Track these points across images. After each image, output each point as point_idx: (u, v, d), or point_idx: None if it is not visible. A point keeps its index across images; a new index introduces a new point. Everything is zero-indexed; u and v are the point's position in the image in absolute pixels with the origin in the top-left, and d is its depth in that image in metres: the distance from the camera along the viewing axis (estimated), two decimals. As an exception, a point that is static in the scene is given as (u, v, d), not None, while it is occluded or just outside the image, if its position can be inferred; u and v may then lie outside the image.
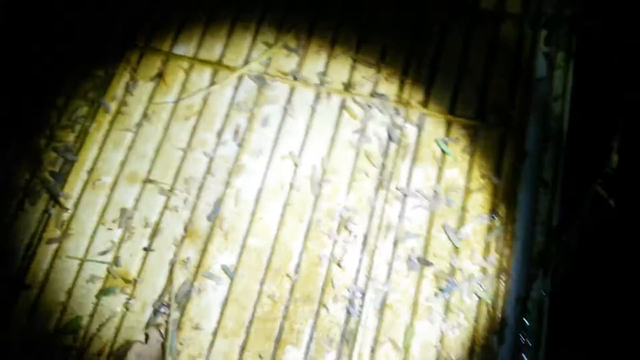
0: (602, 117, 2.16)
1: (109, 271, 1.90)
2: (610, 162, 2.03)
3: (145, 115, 2.12)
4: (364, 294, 1.85)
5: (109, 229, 1.95)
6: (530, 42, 2.21)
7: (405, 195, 1.99)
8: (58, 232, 1.95)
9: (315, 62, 2.20)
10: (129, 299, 1.86)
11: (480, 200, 1.98)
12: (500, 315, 1.82)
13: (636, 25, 2.23)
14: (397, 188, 1.99)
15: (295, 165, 2.03)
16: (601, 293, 2.01)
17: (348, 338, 1.79)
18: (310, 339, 1.79)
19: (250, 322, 1.83)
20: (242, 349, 1.79)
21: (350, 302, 1.83)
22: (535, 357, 1.78)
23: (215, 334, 1.82)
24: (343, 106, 2.12)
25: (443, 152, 2.05)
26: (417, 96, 2.14)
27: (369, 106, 2.12)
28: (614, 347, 1.91)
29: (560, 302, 1.92)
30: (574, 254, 1.96)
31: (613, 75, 2.25)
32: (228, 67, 2.21)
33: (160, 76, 2.17)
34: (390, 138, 2.07)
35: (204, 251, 1.92)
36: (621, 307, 1.99)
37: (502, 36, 2.23)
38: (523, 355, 1.79)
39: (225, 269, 1.89)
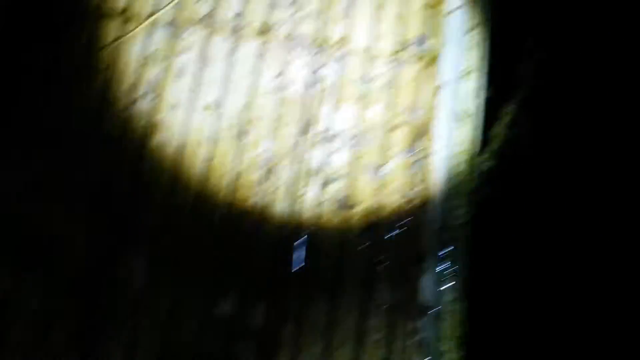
0: (518, 42, 2.20)
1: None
2: (525, 84, 2.09)
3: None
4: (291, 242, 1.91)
5: None
6: (445, -29, 2.19)
7: (327, 139, 2.00)
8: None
9: (230, 2, 2.11)
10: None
11: (400, 136, 2.03)
12: (424, 245, 1.93)
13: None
14: (318, 132, 2.00)
15: (217, 117, 1.99)
16: (520, 220, 2.13)
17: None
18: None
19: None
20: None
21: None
22: (457, 284, 1.91)
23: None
24: (260, 53, 2.07)
25: (363, 91, 2.05)
26: (336, 34, 2.10)
27: (288, 49, 2.07)
28: (530, 266, 2.06)
29: (481, 228, 2.03)
30: (493, 178, 2.05)
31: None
32: (137, 16, 2.09)
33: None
34: (311, 81, 2.05)
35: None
36: (540, 232, 2.12)
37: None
38: (445, 281, 1.91)
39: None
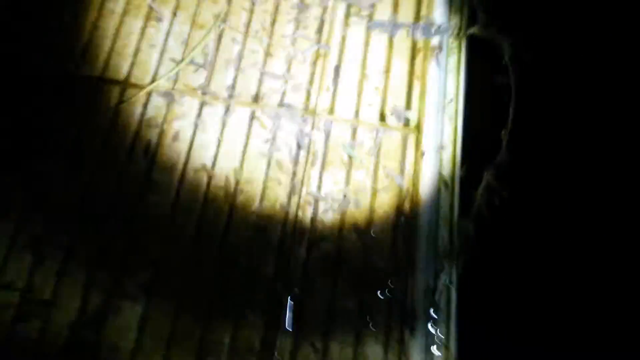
0: (493, 113, 2.36)
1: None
2: (501, 152, 2.22)
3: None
4: (280, 301, 1.93)
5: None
6: (423, 49, 2.38)
7: (316, 200, 2.08)
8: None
9: (224, 76, 2.26)
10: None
11: (386, 199, 2.12)
12: (411, 307, 1.96)
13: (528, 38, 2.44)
14: (308, 193, 2.09)
15: (209, 178, 2.07)
16: (504, 275, 2.19)
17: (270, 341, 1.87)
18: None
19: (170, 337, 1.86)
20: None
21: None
22: (446, 345, 1.93)
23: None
24: (253, 117, 2.19)
25: (349, 156, 2.16)
26: (322, 103, 2.24)
27: (278, 116, 2.20)
28: (517, 324, 2.10)
29: (466, 289, 2.08)
30: (474, 243, 2.13)
31: (503, 74, 2.45)
32: (136, 86, 2.22)
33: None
34: (299, 146, 2.16)
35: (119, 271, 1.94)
36: (523, 286, 2.18)
37: (397, 44, 2.39)
38: (434, 344, 1.93)
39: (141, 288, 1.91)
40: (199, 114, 2.19)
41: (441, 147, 2.24)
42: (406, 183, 2.16)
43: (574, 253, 2.15)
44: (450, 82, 2.36)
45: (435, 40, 2.40)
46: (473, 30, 2.42)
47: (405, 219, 2.09)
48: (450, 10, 2.48)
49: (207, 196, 2.06)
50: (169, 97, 2.20)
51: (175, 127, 2.16)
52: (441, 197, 2.17)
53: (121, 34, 2.32)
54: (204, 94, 2.22)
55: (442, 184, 2.17)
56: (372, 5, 2.44)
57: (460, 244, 2.11)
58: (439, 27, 2.40)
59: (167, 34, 2.33)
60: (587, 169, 2.28)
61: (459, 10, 2.49)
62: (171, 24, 2.35)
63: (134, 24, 2.32)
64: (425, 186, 2.16)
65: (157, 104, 2.20)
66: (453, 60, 2.40)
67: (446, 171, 2.21)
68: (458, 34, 2.43)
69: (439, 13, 2.46)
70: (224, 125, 2.18)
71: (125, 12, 2.35)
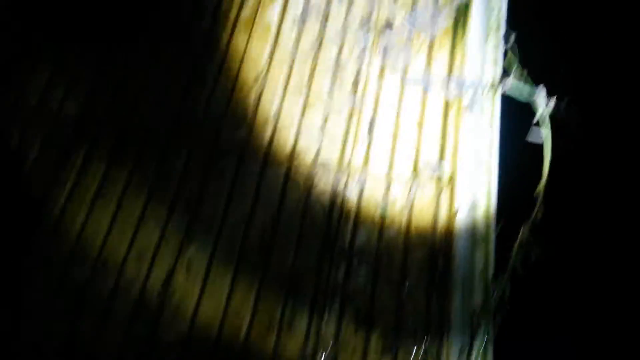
0: (528, 169, 2.34)
1: None
2: (537, 209, 2.20)
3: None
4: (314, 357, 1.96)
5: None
6: (457, 103, 2.40)
7: (350, 256, 2.11)
8: None
9: (263, 131, 2.34)
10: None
11: (419, 257, 2.12)
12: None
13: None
14: (341, 249, 2.12)
15: (245, 232, 2.14)
16: (540, 333, 2.15)
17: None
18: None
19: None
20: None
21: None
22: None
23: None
24: (287, 175, 2.26)
25: (383, 212, 2.19)
26: (357, 159, 2.29)
27: (314, 173, 2.25)
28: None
29: (502, 348, 2.06)
30: (509, 300, 2.11)
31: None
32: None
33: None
34: (332, 202, 2.20)
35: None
36: (560, 344, 2.13)
37: (430, 99, 2.41)
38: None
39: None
40: (238, 170, 2.27)
41: (475, 203, 2.23)
42: (440, 238, 2.16)
43: (610, 311, 2.10)
44: (484, 137, 2.36)
45: (468, 95, 2.41)
46: (507, 85, 2.43)
47: (440, 276, 2.09)
48: (483, 64, 2.50)
49: (240, 251, 2.11)
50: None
51: (211, 187, 2.24)
52: (476, 254, 2.16)
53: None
54: (242, 150, 2.30)
55: (477, 241, 2.16)
56: (407, 60, 2.49)
57: (496, 302, 2.09)
58: (472, 82, 2.42)
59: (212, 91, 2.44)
60: (619, 226, 2.23)
61: (493, 64, 2.51)
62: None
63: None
64: (460, 242, 2.16)
65: (198, 160, 2.28)
66: (487, 115, 2.41)
67: (481, 227, 2.20)
68: (492, 89, 2.44)
69: (472, 68, 2.48)
70: (258, 187, 2.25)
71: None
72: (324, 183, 2.25)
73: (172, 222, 2.18)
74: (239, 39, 2.53)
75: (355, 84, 2.45)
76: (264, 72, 2.46)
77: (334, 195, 2.22)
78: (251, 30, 2.56)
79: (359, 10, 2.63)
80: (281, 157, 2.29)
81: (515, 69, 2.48)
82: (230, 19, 2.60)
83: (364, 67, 2.48)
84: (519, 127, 2.43)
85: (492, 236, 2.19)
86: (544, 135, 2.37)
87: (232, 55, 2.51)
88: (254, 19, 2.59)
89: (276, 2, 2.62)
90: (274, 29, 2.57)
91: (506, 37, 2.56)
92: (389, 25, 2.57)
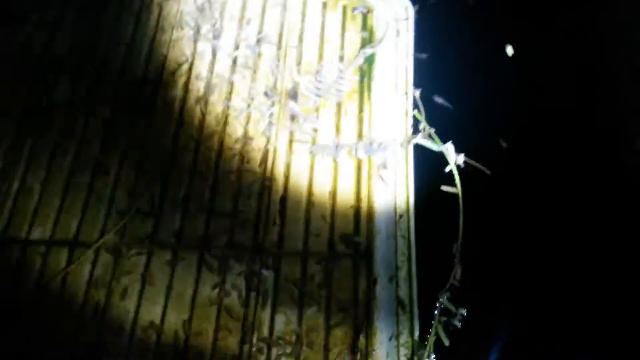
0: (446, 225, 2.32)
1: None
2: (454, 273, 2.17)
3: None
4: None
5: None
6: (368, 167, 2.37)
7: (269, 346, 2.04)
8: None
9: (171, 222, 2.27)
10: None
11: (340, 335, 2.06)
12: None
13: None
14: (260, 340, 2.04)
15: (158, 336, 2.05)
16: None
17: None
18: None
19: None
20: None
21: None
22: None
23: None
24: (201, 262, 2.19)
25: (300, 292, 2.13)
26: (270, 239, 2.23)
27: (226, 258, 2.19)
28: None
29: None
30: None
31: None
32: (84, 243, 2.24)
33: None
34: (248, 287, 2.14)
35: None
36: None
37: (341, 166, 2.39)
38: None
39: None
40: (147, 266, 2.19)
41: (395, 268, 2.19)
42: (361, 312, 2.10)
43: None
44: (399, 198, 2.34)
45: (379, 157, 2.40)
46: (415, 140, 2.42)
47: (361, 354, 2.03)
48: (392, 123, 2.49)
49: (155, 358, 2.02)
50: (117, 252, 2.21)
51: (123, 284, 2.16)
52: (400, 322, 2.11)
53: (69, 191, 2.36)
54: (151, 243, 2.23)
55: (399, 310, 2.11)
56: (314, 130, 2.47)
57: (424, 373, 2.03)
58: (381, 143, 2.40)
59: (114, 185, 2.37)
60: (541, 273, 2.22)
61: (401, 122, 2.50)
62: (117, 174, 2.39)
63: (82, 181, 2.37)
64: (382, 313, 2.10)
65: (105, 261, 2.21)
66: (400, 174, 2.39)
67: (402, 293, 2.15)
68: (402, 146, 2.43)
69: (381, 127, 2.47)
70: (172, 274, 2.17)
71: (72, 169, 2.40)
72: (237, 268, 2.18)
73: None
74: (141, 123, 2.48)
75: (264, 160, 2.41)
76: (168, 159, 2.40)
77: (249, 279, 2.15)
78: (152, 113, 2.51)
79: (262, 81, 2.60)
80: (193, 243, 2.22)
81: (422, 125, 2.47)
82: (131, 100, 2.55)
83: (271, 141, 2.44)
84: (433, 181, 2.41)
85: (415, 302, 2.14)
86: (457, 186, 2.35)
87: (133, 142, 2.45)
88: (155, 101, 2.55)
89: (178, 82, 2.58)
90: (177, 110, 2.52)
91: (413, 95, 2.56)
92: (294, 94, 2.55)
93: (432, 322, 2.12)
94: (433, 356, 2.06)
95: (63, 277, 2.17)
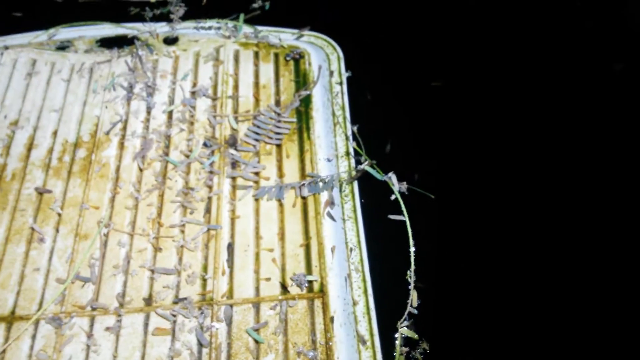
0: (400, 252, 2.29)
1: None
2: (411, 300, 2.12)
3: None
4: None
5: None
6: (314, 205, 2.35)
7: (225, 403, 1.91)
8: None
9: (112, 284, 2.16)
10: None
11: (301, 381, 1.96)
12: None
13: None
14: (215, 397, 1.92)
15: (104, 408, 1.90)
16: None
17: None
18: None
19: None
20: None
21: None
22: None
23: None
24: (147, 323, 2.07)
25: (255, 341, 2.03)
26: (220, 289, 2.14)
27: (174, 315, 2.08)
28: None
29: None
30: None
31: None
32: (22, 318, 2.10)
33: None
34: (200, 344, 2.02)
35: None
36: None
37: (287, 207, 2.36)
38: None
39: None
40: (90, 333, 2.06)
41: (352, 304, 2.13)
42: (321, 354, 2.01)
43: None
44: (349, 232, 2.31)
45: (324, 194, 2.38)
46: (359, 174, 2.42)
47: (326, 399, 1.92)
48: (334, 159, 2.49)
49: None
50: (57, 321, 2.07)
51: (66, 354, 2.01)
52: (362, 359, 2.02)
53: (4, 263, 2.23)
54: (93, 309, 2.11)
55: (361, 344, 2.03)
56: (257, 174, 2.44)
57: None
58: (325, 179, 2.39)
59: (51, 253, 2.26)
60: (493, 299, 2.20)
61: (343, 157, 2.51)
62: (54, 241, 2.28)
63: (16, 250, 2.25)
64: (342, 352, 2.02)
65: (46, 332, 2.06)
66: (348, 208, 2.37)
67: (362, 329, 2.08)
68: (346, 181, 2.42)
69: (323, 166, 2.47)
70: (117, 339, 2.04)
71: (6, 240, 2.29)
72: (187, 325, 2.07)
73: None
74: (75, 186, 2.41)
75: (208, 209, 2.35)
76: (106, 220, 2.32)
77: (200, 336, 2.04)
78: (88, 174, 2.44)
79: (201, 132, 2.59)
80: (137, 304, 2.11)
81: (363, 159, 2.49)
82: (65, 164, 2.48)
83: (214, 189, 2.40)
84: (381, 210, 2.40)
85: (376, 336, 2.07)
86: (404, 213, 2.34)
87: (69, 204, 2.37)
88: (90, 162, 2.48)
89: (113, 141, 2.54)
90: (113, 169, 2.47)
91: (352, 130, 2.59)
92: (233, 142, 2.54)
93: (394, 354, 2.04)
94: (399, 390, 1.97)
95: (3, 353, 2.02)
